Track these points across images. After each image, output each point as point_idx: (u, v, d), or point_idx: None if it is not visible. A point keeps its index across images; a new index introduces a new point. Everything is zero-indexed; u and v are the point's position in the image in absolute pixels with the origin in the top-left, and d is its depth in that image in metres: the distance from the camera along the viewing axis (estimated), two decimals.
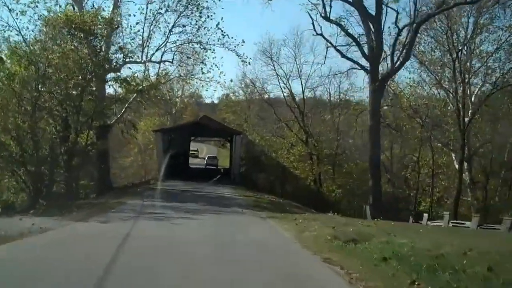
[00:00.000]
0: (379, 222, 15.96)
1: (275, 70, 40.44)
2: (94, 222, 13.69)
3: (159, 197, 25.14)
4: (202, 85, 34.24)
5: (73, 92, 25.76)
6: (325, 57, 41.68)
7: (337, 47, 28.69)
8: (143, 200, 22.77)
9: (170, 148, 41.32)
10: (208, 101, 78.46)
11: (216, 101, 74.04)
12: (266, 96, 42.74)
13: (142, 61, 31.49)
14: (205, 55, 32.36)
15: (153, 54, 31.52)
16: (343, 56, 28.95)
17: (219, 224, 14.63)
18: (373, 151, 26.12)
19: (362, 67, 29.99)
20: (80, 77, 25.30)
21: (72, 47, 24.00)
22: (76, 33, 24.27)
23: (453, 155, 37.87)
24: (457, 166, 36.49)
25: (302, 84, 41.06)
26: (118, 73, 31.01)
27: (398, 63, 27.12)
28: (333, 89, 44.24)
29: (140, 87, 28.12)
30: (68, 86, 24.33)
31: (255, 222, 15.87)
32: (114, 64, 27.21)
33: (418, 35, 32.32)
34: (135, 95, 32.60)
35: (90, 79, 26.32)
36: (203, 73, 32.97)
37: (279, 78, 40.83)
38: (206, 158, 61.60)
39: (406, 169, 39.19)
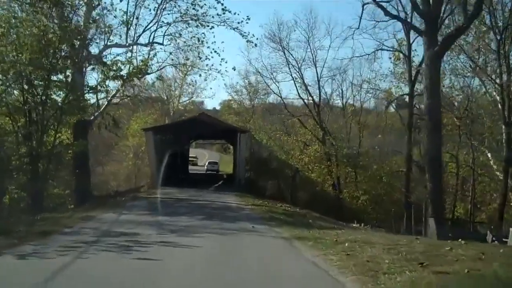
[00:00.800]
0: (468, 245, 10.22)
1: (285, 56, 34.77)
2: (10, 256, 8.12)
3: (145, 208, 19.75)
4: (200, 75, 28.68)
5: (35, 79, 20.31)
6: (360, 18, 28.24)
7: (380, 2, 21.86)
8: (121, 213, 17.39)
9: (164, 150, 35.75)
10: (209, 107, 72.83)
11: (218, 107, 68.30)
12: (274, 85, 36.65)
13: (127, 43, 25.97)
14: (203, 37, 26.79)
15: (140, 35, 26.01)
16: (387, 13, 22.61)
17: (222, 259, 8.95)
18: (433, 141, 19.08)
19: (415, 28, 24.18)
20: (43, 57, 19.81)
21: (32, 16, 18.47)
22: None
23: (488, 154, 32.18)
24: (494, 166, 30.86)
25: (317, 73, 35.66)
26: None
27: (466, 18, 19.61)
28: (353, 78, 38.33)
29: (122, 72, 22.53)
30: (27, 68, 18.85)
31: (279, 250, 10.28)
32: (90, 41, 21.74)
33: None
34: (119, 86, 27.17)
35: (58, 61, 20.82)
36: (199, 58, 27.36)
37: (289, 66, 35.19)
38: (207, 164, 57.91)
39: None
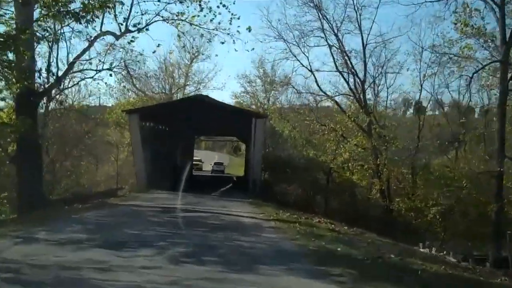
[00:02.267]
0: None
1: (318, 15, 25.54)
2: None
3: (91, 226, 11.35)
4: (202, 35, 20.14)
5: None
6: None
7: None
8: (30, 237, 8.93)
9: (156, 142, 27.38)
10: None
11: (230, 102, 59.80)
12: (302, 56, 27.14)
13: None
14: None
15: None
16: None
17: None
18: None
19: None
20: None
21: None
22: None
23: None
24: None
25: (362, 39, 25.90)
26: None
27: None
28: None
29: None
30: None
31: None
32: None
33: None
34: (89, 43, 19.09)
35: None
36: (200, 7, 18.81)
37: (324, 29, 25.93)
38: (212, 165, 52.82)
39: None
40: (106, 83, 26.81)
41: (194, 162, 47.64)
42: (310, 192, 28.20)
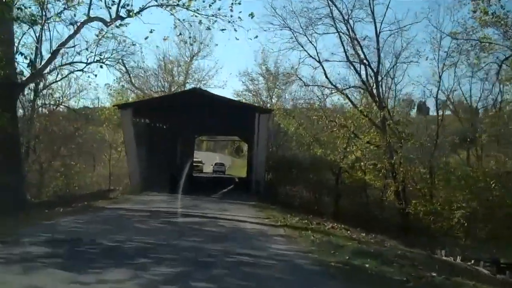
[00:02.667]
0: None
1: (328, 4, 23.15)
2: None
3: (60, 237, 9.24)
4: (201, 21, 18.00)
5: None
6: None
7: None
8: None
9: (152, 140, 25.43)
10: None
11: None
12: (310, 45, 24.77)
13: None
14: None
15: None
16: None
17: None
18: None
19: None
20: None
21: None
22: None
23: None
24: None
25: (375, 27, 23.21)
26: None
27: None
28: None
29: None
30: None
31: None
32: None
33: None
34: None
35: None
36: None
37: (334, 19, 23.64)
38: (213, 165, 52.24)
39: None
40: (95, 75, 24.29)
41: (194, 164, 45.62)
42: (317, 193, 26.11)
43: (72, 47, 17.76)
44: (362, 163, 23.33)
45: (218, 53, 63.10)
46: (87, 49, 21.55)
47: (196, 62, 46.78)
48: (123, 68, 27.28)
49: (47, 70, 22.20)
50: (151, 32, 18.44)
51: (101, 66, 24.25)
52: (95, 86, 24.36)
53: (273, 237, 10.58)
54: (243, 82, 37.55)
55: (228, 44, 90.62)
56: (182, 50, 43.16)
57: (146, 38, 24.36)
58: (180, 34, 21.11)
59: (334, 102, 27.39)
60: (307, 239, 10.51)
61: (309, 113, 25.82)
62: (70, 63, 24.28)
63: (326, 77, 23.72)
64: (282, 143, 28.22)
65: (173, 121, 30.06)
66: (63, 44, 18.24)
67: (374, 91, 22.73)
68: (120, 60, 25.67)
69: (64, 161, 25.18)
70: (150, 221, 12.18)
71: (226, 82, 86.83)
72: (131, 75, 33.94)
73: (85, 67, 23.94)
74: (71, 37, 18.26)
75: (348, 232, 14.35)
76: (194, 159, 51.02)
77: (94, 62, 24.23)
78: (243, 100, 37.26)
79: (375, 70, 22.75)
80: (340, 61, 23.92)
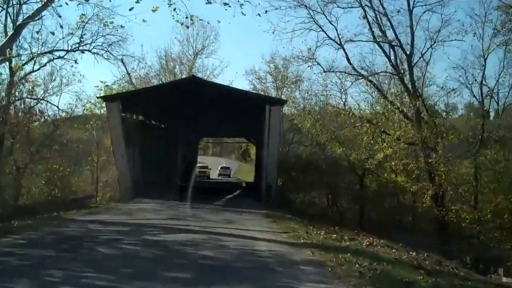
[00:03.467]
0: None
1: None
2: None
3: None
4: None
5: None
6: None
7: None
8: None
9: (145, 138, 21.99)
10: None
11: None
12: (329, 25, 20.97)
13: None
14: None
15: None
16: None
17: None
18: None
19: None
20: None
21: None
22: None
23: None
24: None
25: (408, 1, 19.50)
26: None
27: None
28: None
29: None
30: None
31: None
32: None
33: None
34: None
35: None
36: None
37: None
38: (219, 169, 51.10)
39: None
40: (76, 60, 20.80)
41: (200, 169, 42.10)
42: (338, 199, 22.46)
43: (38, 19, 14.36)
44: (393, 163, 19.60)
45: (224, 51, 59.59)
46: (72, 33, 18.51)
47: (200, 60, 43.41)
48: (119, 62, 23.86)
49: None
50: (137, 2, 15.15)
51: (82, 51, 21.17)
52: (79, 79, 20.83)
53: (300, 267, 7.05)
54: (250, 81, 34.00)
55: (235, 41, 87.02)
56: (185, 48, 39.97)
57: (131, 9, 20.76)
58: (175, 9, 17.75)
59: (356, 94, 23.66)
60: (350, 269, 6.97)
61: (327, 107, 22.11)
62: (51, 51, 21.17)
63: (349, 61, 20.06)
64: (295, 142, 24.55)
65: (171, 118, 26.59)
66: (30, 18, 14.92)
67: (409, 77, 18.96)
68: (109, 48, 22.45)
69: (47, 164, 21.83)
70: (123, 241, 8.65)
71: (232, 82, 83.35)
72: (131, 75, 30.77)
73: (65, 54, 20.88)
74: (40, 10, 14.93)
75: (394, 250, 10.73)
76: (200, 164, 47.46)
77: (77, 49, 21.07)
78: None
79: (407, 52, 19.09)
80: (366, 41, 20.02)
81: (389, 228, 18.61)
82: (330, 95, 21.64)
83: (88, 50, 22.00)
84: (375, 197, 21.29)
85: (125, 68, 30.19)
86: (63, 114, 22.03)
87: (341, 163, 22.18)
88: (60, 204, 17.33)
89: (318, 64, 20.63)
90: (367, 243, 11.18)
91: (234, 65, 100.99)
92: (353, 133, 22.15)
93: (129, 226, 10.89)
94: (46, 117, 21.29)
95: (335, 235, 11.58)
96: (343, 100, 21.46)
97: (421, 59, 19.60)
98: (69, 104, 22.21)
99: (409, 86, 19.05)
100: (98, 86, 21.31)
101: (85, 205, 16.73)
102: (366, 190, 21.90)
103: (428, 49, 19.47)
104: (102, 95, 21.51)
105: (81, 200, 18.50)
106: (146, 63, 47.66)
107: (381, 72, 20.13)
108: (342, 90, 21.43)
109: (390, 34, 19.21)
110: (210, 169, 49.28)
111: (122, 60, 27.96)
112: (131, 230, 10.35)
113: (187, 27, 17.82)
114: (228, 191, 26.46)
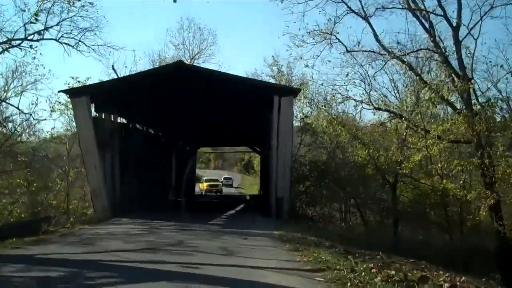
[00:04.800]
0: None
1: None
2: None
3: None
4: None
5: None
6: None
7: None
8: None
9: (127, 144, 18.03)
10: None
11: None
12: None
13: None
14: None
15: None
16: None
17: None
18: None
19: None
20: None
21: None
22: None
23: None
24: None
25: None
26: None
27: None
28: None
29: None
30: None
31: None
32: None
33: None
34: None
35: None
36: None
37: None
38: (222, 179, 48.58)
39: None
40: (31, 46, 16.71)
41: (211, 183, 38.75)
42: (364, 213, 18.26)
43: None
44: (439, 165, 15.36)
45: (223, 55, 56.13)
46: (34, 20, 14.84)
47: (197, 65, 39.68)
48: (95, 55, 19.84)
49: None
50: None
51: (37, 40, 17.31)
52: (43, 73, 17.02)
53: None
54: None
55: (234, 45, 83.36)
56: (181, 52, 36.28)
57: None
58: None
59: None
60: None
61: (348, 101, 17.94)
62: (6, 41, 17.27)
63: (376, 38, 15.96)
64: (309, 145, 20.37)
65: (160, 123, 22.62)
66: None
67: (456, 55, 14.82)
68: (81, 37, 18.59)
69: (9, 179, 17.87)
70: None
71: None
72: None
73: (22, 42, 17.03)
74: None
75: None
76: (209, 178, 43.25)
77: (41, 38, 17.23)
78: None
79: (454, 23, 15.03)
80: (401, 8, 15.59)
81: (435, 249, 14.43)
82: (354, 82, 17.40)
83: (56, 39, 18.24)
84: (414, 210, 17.07)
85: (116, 74, 26.17)
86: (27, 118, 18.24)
87: (367, 169, 18.03)
88: (20, 227, 13.30)
89: (339, 41, 16.35)
90: (447, 284, 7.08)
91: (234, 70, 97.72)
92: (378, 132, 18.05)
93: (68, 268, 6.78)
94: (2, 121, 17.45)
95: (392, 272, 7.45)
96: (368, 91, 17.30)
97: (469, 35, 15.50)
98: (32, 105, 18.07)
99: (458, 68, 14.96)
100: (68, 83, 17.23)
101: (39, 229, 12.63)
102: (397, 201, 17.69)
103: (478, 21, 15.29)
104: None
105: (47, 220, 14.43)
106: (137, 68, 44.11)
107: (418, 50, 15.97)
108: (366, 79, 17.25)
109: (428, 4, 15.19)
110: (222, 182, 45.21)
111: (113, 67, 24.02)
112: (64, 276, 6.24)
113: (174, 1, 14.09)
114: (229, 206, 22.35)
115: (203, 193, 36.10)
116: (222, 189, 40.65)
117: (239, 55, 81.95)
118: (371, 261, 8.86)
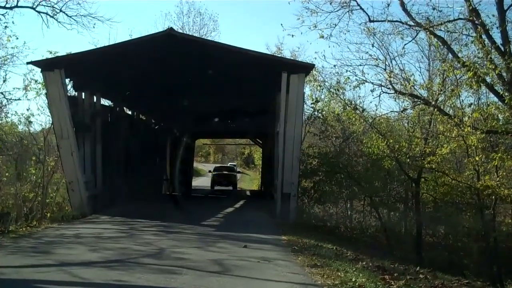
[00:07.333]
0: None
1: None
2: None
3: None
4: None
5: None
6: None
7: None
8: None
9: (114, 131, 15.81)
10: None
11: None
12: None
13: None
14: None
15: None
16: None
17: None
18: None
19: None
20: None
21: None
22: None
23: None
24: None
25: None
26: None
27: None
28: None
29: None
30: None
31: None
32: None
33: None
34: None
35: None
36: None
37: None
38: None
39: None
40: (4, 15, 14.18)
41: (221, 172, 31.53)
42: (381, 214, 15.98)
43: None
44: (477, 158, 13.05)
45: (224, 42, 53.53)
46: None
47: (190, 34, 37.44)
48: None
49: None
50: None
51: (10, 8, 14.96)
52: (16, 44, 14.68)
53: None
54: None
55: (236, 36, 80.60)
56: None
57: None
58: None
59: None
60: None
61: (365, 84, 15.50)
62: None
63: (404, 7, 13.56)
64: (321, 133, 18.02)
65: (152, 107, 20.33)
66: None
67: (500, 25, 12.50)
68: (63, 8, 16.13)
69: None
70: None
71: None
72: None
73: None
74: None
75: None
76: (219, 165, 38.98)
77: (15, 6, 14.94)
78: None
79: None
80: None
81: (472, 259, 12.20)
82: (373, 63, 14.96)
83: (32, 7, 15.82)
84: (440, 210, 14.79)
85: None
86: None
87: (385, 163, 15.76)
88: None
89: (361, 8, 13.77)
90: None
91: None
92: (402, 118, 15.76)
93: None
94: None
95: None
96: (388, 72, 14.95)
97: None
98: (3, 82, 15.60)
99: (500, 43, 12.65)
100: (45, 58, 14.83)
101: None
102: (420, 200, 15.44)
103: None
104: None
105: (2, 217, 12.19)
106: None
107: (453, 20, 13.48)
108: (387, 59, 14.83)
109: None
110: (239, 172, 39.88)
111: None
112: None
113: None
114: (228, 202, 20.09)
115: (212, 187, 29.86)
116: (237, 181, 33.29)
117: (241, 43, 79.28)
118: (414, 282, 6.64)
